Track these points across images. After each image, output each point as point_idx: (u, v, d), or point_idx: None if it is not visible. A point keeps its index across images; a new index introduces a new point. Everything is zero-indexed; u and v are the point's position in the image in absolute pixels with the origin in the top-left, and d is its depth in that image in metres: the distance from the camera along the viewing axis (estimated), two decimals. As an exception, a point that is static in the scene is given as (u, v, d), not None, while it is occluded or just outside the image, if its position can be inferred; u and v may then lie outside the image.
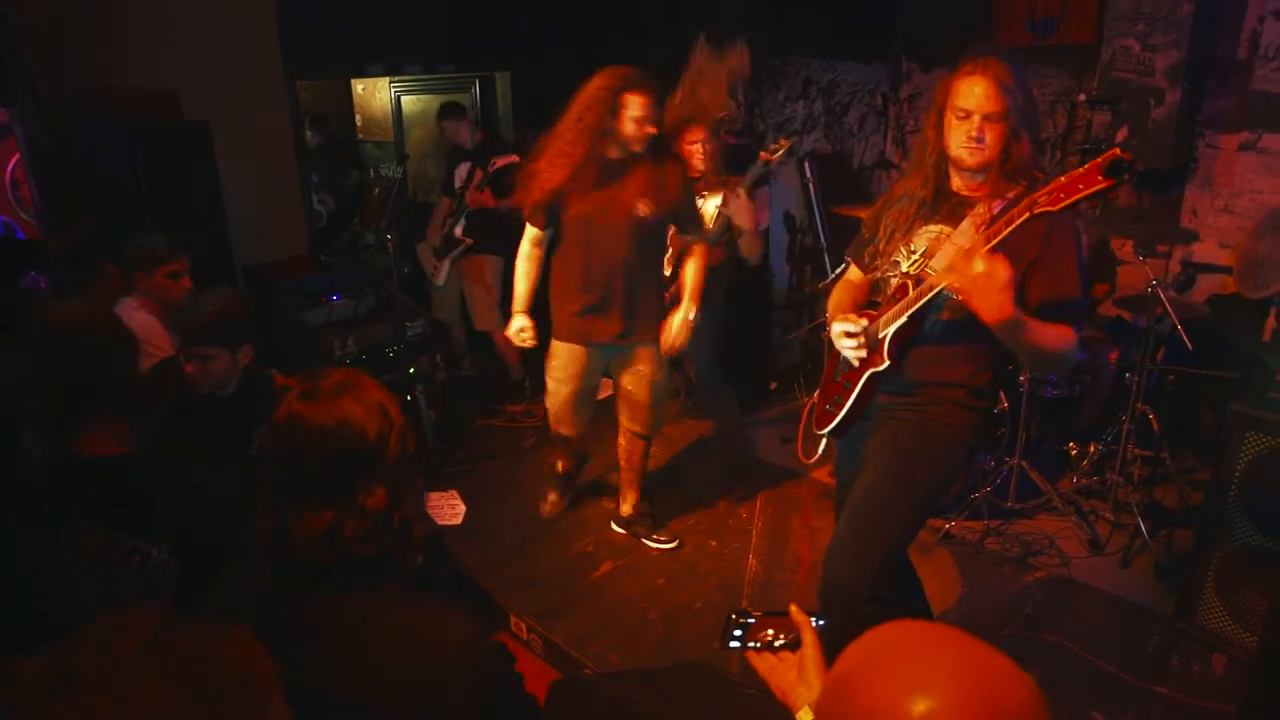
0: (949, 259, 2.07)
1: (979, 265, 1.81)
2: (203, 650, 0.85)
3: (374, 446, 1.27)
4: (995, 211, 2.08)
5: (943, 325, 2.18)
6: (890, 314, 2.18)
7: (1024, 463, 3.75)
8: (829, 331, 2.36)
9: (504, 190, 4.84)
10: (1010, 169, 2.10)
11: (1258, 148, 4.35)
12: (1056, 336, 2.00)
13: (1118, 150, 1.71)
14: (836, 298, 2.49)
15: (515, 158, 4.88)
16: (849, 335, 2.24)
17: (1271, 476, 2.72)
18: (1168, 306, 3.36)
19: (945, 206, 2.21)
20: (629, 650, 3.07)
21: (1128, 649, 2.97)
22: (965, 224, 2.13)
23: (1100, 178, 1.71)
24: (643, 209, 3.15)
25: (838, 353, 2.41)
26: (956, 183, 2.21)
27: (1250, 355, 3.59)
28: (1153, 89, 4.34)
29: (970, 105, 2.05)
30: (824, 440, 2.51)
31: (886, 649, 0.90)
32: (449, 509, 4.03)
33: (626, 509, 3.77)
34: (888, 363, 2.19)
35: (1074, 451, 4.07)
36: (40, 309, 1.91)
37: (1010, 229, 1.87)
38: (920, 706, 0.80)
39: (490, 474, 4.40)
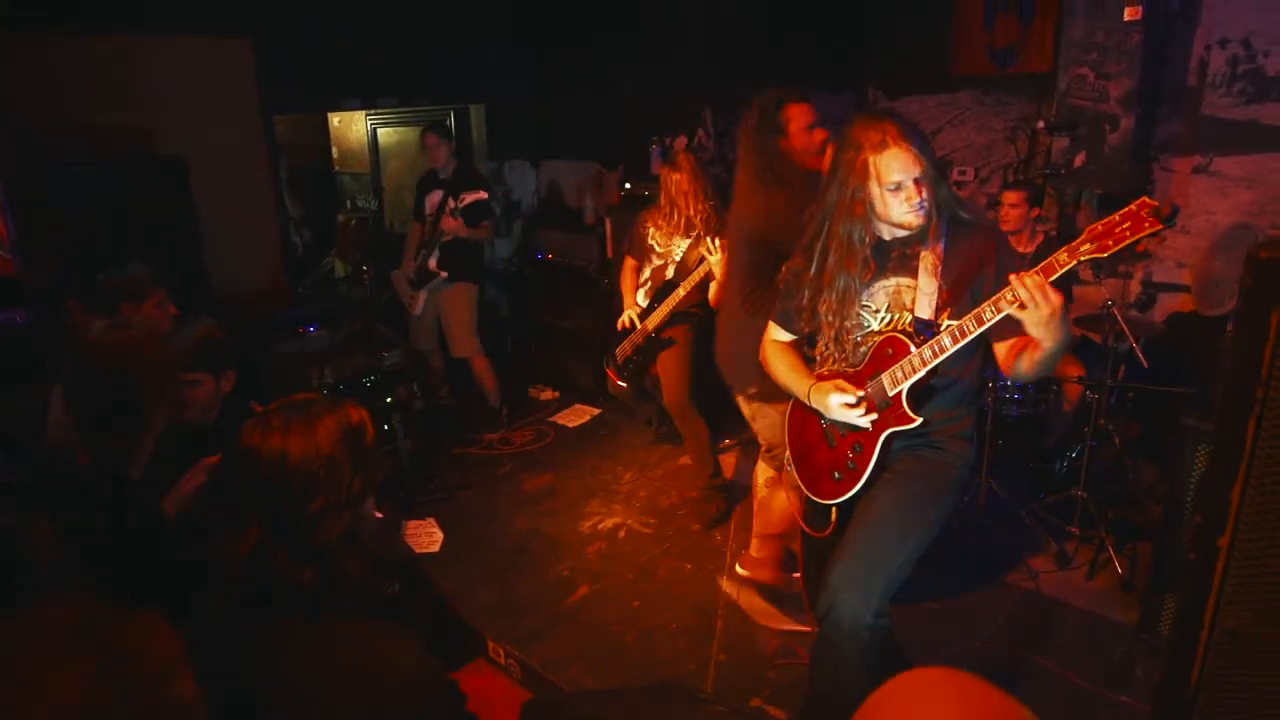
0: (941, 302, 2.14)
1: (1054, 298, 1.87)
2: (123, 634, 0.93)
3: (301, 482, 1.32)
4: (941, 250, 2.18)
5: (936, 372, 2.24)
6: (897, 369, 2.19)
7: (991, 480, 3.83)
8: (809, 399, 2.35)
9: (474, 220, 4.91)
10: (934, 209, 2.20)
11: (1209, 170, 4.50)
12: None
13: (1147, 198, 1.79)
14: (788, 364, 2.48)
15: (483, 194, 4.95)
16: (851, 405, 2.25)
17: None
18: (1123, 326, 3.46)
19: (890, 262, 2.27)
20: (605, 673, 3.09)
21: (1094, 660, 3.03)
22: (924, 271, 2.20)
23: (1147, 223, 1.78)
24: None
25: (814, 420, 2.43)
26: (888, 235, 2.28)
27: (1206, 371, 3.69)
28: (1108, 115, 4.48)
29: (900, 176, 2.12)
30: (834, 509, 2.43)
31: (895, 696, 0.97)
32: (427, 536, 4.06)
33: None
34: (918, 419, 2.20)
35: (1040, 468, 4.16)
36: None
37: (1063, 270, 1.90)
38: None
39: (467, 502, 4.43)
